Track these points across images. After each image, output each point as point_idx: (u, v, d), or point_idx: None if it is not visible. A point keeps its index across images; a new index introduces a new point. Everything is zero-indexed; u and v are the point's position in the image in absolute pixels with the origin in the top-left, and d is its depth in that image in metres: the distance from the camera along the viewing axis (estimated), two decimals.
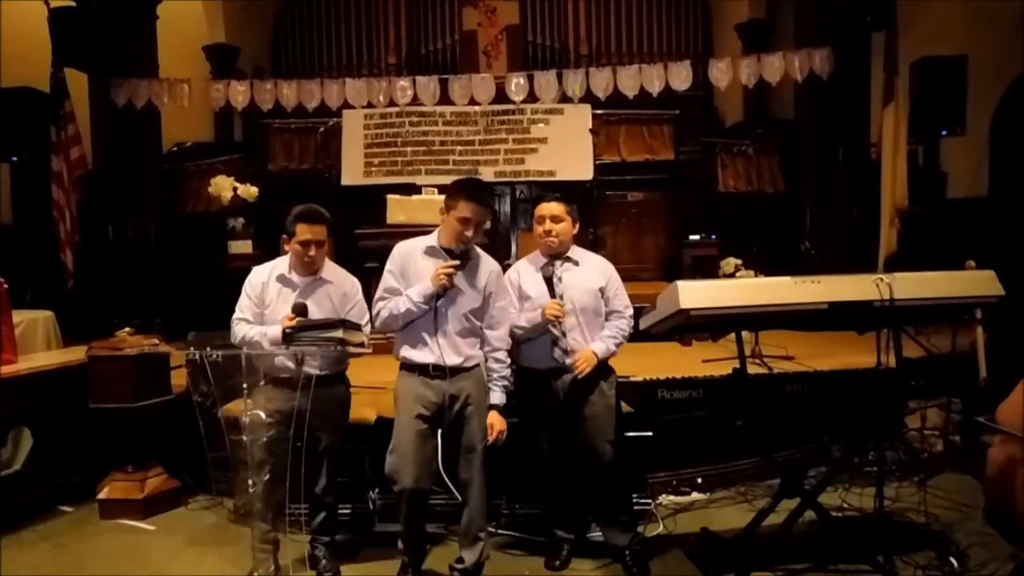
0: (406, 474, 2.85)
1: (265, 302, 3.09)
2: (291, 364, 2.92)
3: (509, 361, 3.07)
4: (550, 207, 3.20)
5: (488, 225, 3.02)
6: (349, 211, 6.76)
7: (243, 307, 3.12)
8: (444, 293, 2.88)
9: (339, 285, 3.17)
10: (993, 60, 6.84)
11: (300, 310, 2.94)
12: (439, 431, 2.96)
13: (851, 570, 3.05)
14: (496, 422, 2.97)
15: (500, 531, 3.58)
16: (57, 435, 4.19)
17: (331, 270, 3.20)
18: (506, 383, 3.04)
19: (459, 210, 2.88)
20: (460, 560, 3.02)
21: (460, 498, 3.00)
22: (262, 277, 3.14)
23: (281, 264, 3.16)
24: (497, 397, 3.01)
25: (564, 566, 3.26)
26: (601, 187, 7.10)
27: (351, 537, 3.51)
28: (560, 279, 3.18)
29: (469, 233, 2.89)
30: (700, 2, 10.34)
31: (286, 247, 3.12)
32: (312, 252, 3.05)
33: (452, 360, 2.93)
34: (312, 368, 2.94)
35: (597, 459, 3.16)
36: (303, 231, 3.04)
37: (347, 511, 3.63)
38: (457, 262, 2.87)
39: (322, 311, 3.06)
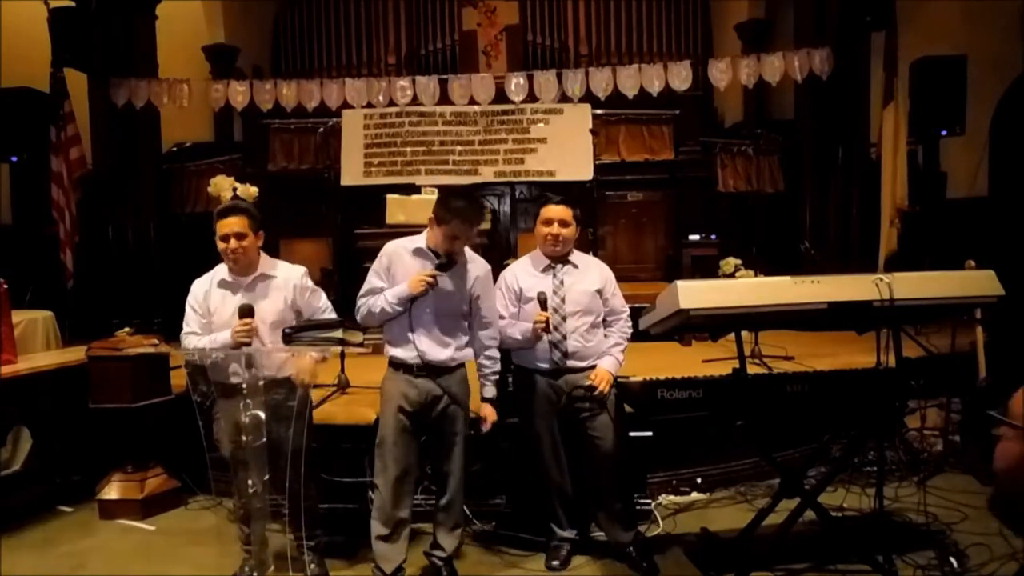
0: (390, 467, 2.95)
1: (210, 310, 3.04)
2: (240, 369, 2.77)
3: (499, 356, 3.15)
4: (558, 211, 3.20)
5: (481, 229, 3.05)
6: (349, 211, 6.76)
7: (189, 321, 3.08)
8: (424, 295, 2.91)
9: (285, 279, 3.10)
10: (993, 60, 6.84)
11: (247, 312, 2.88)
12: (422, 429, 3.04)
13: (851, 570, 3.05)
14: (489, 413, 3.08)
15: (500, 531, 3.58)
16: (57, 435, 4.19)
17: (271, 265, 3.12)
18: (497, 378, 3.14)
19: (451, 228, 2.92)
20: (439, 547, 3.11)
21: (437, 489, 3.14)
22: (203, 286, 3.09)
23: (220, 270, 3.11)
24: (489, 391, 3.11)
25: (564, 566, 3.26)
26: (601, 187, 7.09)
27: (350, 538, 3.50)
28: (562, 283, 3.21)
29: (458, 248, 2.96)
30: (700, 2, 10.34)
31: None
32: (233, 245, 2.99)
33: (436, 358, 2.98)
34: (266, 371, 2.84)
35: (600, 457, 3.17)
36: (219, 227, 2.98)
37: (346, 511, 3.63)
38: (437, 273, 2.90)
39: (273, 308, 3.02)
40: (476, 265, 3.11)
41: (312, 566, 3.10)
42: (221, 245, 3.01)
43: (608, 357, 3.22)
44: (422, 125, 7.43)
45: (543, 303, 3.09)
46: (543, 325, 3.06)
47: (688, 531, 3.57)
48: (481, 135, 7.39)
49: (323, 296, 3.20)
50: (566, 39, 10.11)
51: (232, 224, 2.98)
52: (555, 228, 3.19)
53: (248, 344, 2.85)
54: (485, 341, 3.11)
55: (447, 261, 2.93)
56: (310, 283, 3.17)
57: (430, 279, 2.88)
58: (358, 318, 3.05)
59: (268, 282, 3.08)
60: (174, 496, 4.09)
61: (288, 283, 3.10)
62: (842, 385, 3.09)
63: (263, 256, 3.12)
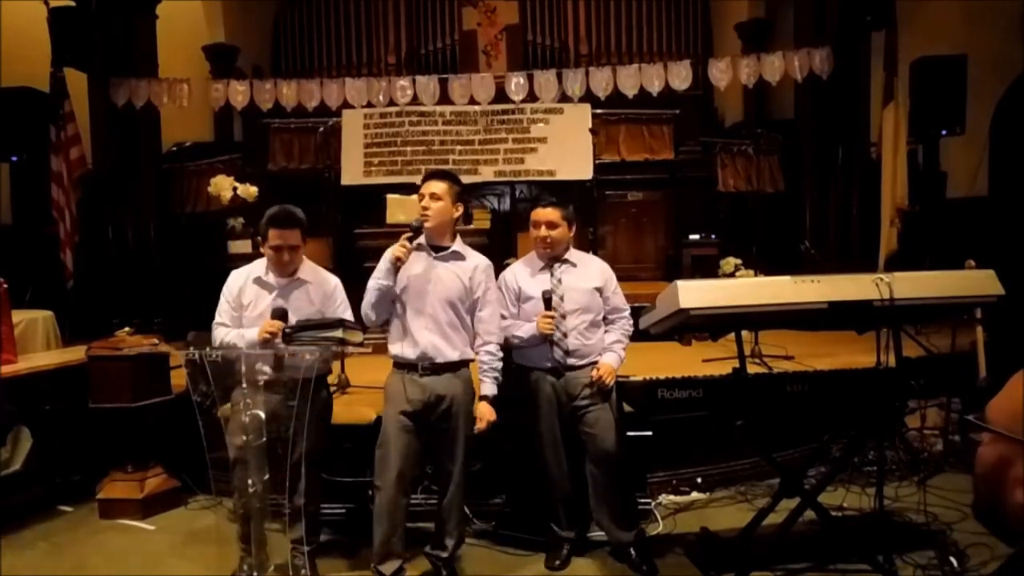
0: (391, 467, 2.93)
1: (243, 304, 3.06)
2: (268, 368, 2.80)
3: (500, 354, 3.13)
4: (545, 213, 3.22)
5: (456, 200, 3.05)
6: (349, 211, 6.77)
7: (221, 311, 3.10)
8: (399, 264, 2.94)
9: (319, 285, 3.13)
10: (993, 60, 6.84)
11: (280, 315, 2.89)
12: (424, 429, 3.03)
13: (851, 570, 3.05)
14: (486, 412, 3.02)
15: (500, 531, 3.58)
16: (57, 435, 4.18)
17: (310, 270, 3.15)
18: (496, 375, 3.10)
19: (422, 187, 3.05)
20: (440, 547, 3.10)
21: (439, 488, 3.12)
22: (239, 281, 3.11)
23: (258, 266, 3.12)
24: (488, 388, 3.07)
25: (564, 566, 3.26)
26: (601, 187, 7.08)
27: (350, 538, 3.50)
28: (560, 281, 3.21)
29: (426, 205, 3.00)
30: (700, 2, 10.34)
31: (262, 249, 3.09)
32: (285, 257, 3.02)
33: (439, 356, 2.99)
34: (293, 372, 2.86)
35: (601, 457, 3.17)
36: (274, 236, 3.00)
37: (347, 511, 3.62)
38: (410, 236, 2.95)
39: (303, 312, 3.02)
40: (476, 259, 3.13)
41: (303, 571, 3.07)
42: (271, 253, 3.02)
43: (610, 353, 3.23)
44: (422, 125, 7.42)
45: (548, 302, 3.11)
46: (548, 324, 3.07)
47: (688, 531, 3.57)
48: (481, 135, 7.38)
49: (349, 311, 3.17)
50: (566, 39, 10.11)
51: (290, 237, 3.00)
52: (543, 231, 3.21)
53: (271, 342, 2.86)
54: (484, 336, 3.10)
55: (419, 225, 2.98)
56: (341, 295, 3.18)
57: (405, 243, 2.92)
58: (363, 310, 3.06)
59: (304, 288, 3.09)
60: (174, 496, 4.09)
61: (321, 291, 3.12)
62: (842, 385, 3.09)
63: (304, 260, 3.14)
